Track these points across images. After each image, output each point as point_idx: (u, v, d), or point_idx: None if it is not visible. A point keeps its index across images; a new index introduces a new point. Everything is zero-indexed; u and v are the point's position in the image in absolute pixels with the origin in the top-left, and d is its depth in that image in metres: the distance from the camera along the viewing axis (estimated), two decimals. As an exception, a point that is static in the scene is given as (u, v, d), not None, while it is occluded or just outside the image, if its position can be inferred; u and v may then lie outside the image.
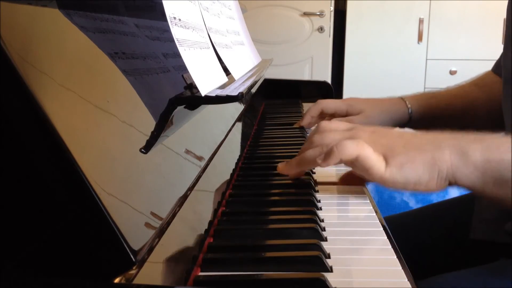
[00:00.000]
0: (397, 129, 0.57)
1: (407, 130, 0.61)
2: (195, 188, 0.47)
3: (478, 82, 0.88)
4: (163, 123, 0.46)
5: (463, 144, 0.50)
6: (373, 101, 0.89)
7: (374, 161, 0.50)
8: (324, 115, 0.90)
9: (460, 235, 0.75)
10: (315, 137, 0.58)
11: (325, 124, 0.59)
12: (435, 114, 0.86)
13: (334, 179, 0.64)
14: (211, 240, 0.45)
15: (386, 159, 0.51)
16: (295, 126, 0.95)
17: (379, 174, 0.50)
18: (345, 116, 0.87)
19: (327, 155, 0.53)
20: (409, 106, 0.86)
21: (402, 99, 0.88)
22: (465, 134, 0.52)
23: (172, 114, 0.49)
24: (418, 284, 0.38)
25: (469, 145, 0.50)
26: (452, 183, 0.50)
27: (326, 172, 0.66)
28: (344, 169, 0.62)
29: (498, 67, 0.87)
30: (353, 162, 0.52)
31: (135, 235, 0.32)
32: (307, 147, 0.58)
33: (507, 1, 0.76)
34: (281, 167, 0.60)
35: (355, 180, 0.60)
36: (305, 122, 0.91)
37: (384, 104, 0.88)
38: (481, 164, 0.49)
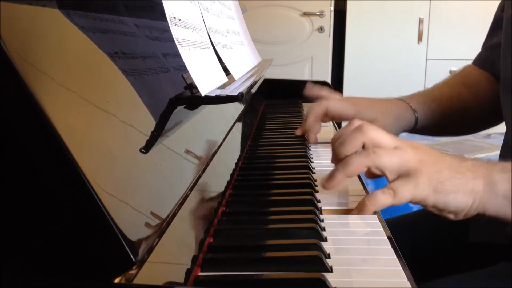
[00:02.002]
0: (436, 150, 0.55)
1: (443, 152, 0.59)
2: (195, 188, 0.47)
3: (466, 82, 0.87)
4: (163, 123, 0.46)
5: (493, 174, 0.51)
6: (381, 106, 0.82)
7: (425, 193, 0.50)
8: (327, 117, 0.84)
9: (460, 238, 0.75)
10: (367, 148, 0.54)
11: (374, 134, 0.54)
12: (435, 118, 0.84)
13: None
14: (211, 240, 0.45)
15: (431, 181, 0.50)
16: (297, 133, 0.87)
17: (422, 198, 0.50)
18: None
19: (360, 208, 0.51)
20: (415, 112, 0.83)
21: (408, 104, 0.83)
22: (495, 163, 0.53)
23: (172, 114, 0.49)
24: (419, 286, 0.38)
25: (498, 175, 0.51)
26: (480, 213, 0.51)
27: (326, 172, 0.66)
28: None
29: (483, 62, 0.86)
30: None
31: (135, 235, 0.32)
32: (352, 152, 0.54)
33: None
34: (356, 210, 0.54)
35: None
36: (308, 123, 0.83)
37: (393, 111, 0.82)
38: (509, 194, 0.50)
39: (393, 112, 0.82)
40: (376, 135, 0.54)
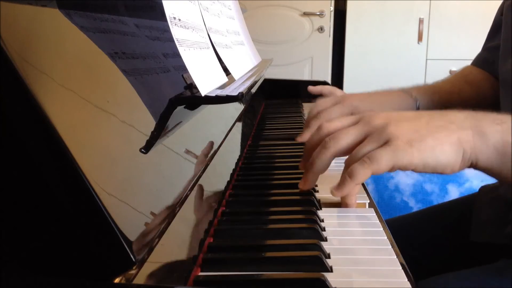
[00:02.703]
0: (409, 111, 0.53)
1: (419, 111, 0.55)
2: (195, 188, 0.47)
3: (467, 80, 0.86)
4: (163, 123, 0.46)
5: (484, 125, 0.49)
6: (379, 99, 0.82)
7: (407, 157, 0.47)
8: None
9: (460, 237, 0.75)
10: (326, 140, 0.52)
11: (327, 125, 0.54)
12: (437, 109, 0.83)
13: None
14: (211, 240, 0.45)
15: (412, 143, 0.48)
16: (298, 140, 0.88)
17: (408, 162, 0.47)
18: None
19: (363, 169, 0.48)
20: (417, 101, 0.81)
21: (409, 93, 0.82)
22: (484, 115, 0.51)
23: (172, 114, 0.49)
24: (418, 284, 0.38)
25: (490, 126, 0.49)
26: (473, 165, 0.49)
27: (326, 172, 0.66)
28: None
29: (484, 62, 0.87)
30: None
31: (135, 235, 0.32)
32: (315, 147, 0.53)
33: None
34: (301, 186, 0.55)
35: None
36: (306, 138, 0.83)
37: (392, 101, 0.81)
38: (501, 147, 0.48)
39: (391, 103, 0.80)
40: (336, 124, 0.53)
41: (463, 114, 0.51)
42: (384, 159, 0.47)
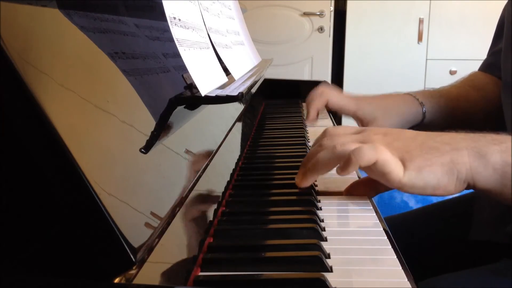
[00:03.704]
0: (409, 131, 0.54)
1: (420, 131, 0.57)
2: (195, 188, 0.47)
3: (474, 85, 0.86)
4: (163, 123, 0.46)
5: (481, 145, 0.48)
6: (385, 102, 0.80)
7: (393, 165, 0.48)
8: (326, 108, 0.83)
9: (460, 236, 0.75)
10: (323, 140, 0.55)
11: (332, 128, 0.57)
12: (443, 115, 0.82)
13: (335, 187, 0.61)
14: (211, 240, 0.45)
15: (404, 163, 0.48)
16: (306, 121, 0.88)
17: (397, 178, 0.48)
18: (351, 117, 0.80)
19: (345, 164, 0.50)
20: (423, 105, 0.80)
21: (415, 97, 0.81)
22: (482, 135, 0.50)
23: (172, 114, 0.49)
24: (419, 284, 0.38)
25: (488, 146, 0.48)
26: (470, 186, 0.48)
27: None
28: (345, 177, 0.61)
29: (489, 67, 0.87)
30: (371, 168, 0.49)
31: (135, 235, 0.32)
32: (316, 151, 0.55)
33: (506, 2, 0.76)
34: (298, 181, 0.56)
35: (359, 192, 0.57)
36: (311, 117, 0.83)
37: (398, 105, 0.80)
38: (500, 167, 0.47)
39: (396, 108, 0.79)
40: (338, 129, 0.56)
41: (460, 135, 0.51)
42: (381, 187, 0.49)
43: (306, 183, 0.55)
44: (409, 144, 0.50)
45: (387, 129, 0.55)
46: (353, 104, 0.80)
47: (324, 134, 0.57)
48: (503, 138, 0.49)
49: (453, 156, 0.48)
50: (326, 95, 0.82)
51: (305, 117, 0.85)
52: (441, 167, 0.47)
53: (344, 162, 0.50)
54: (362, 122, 0.79)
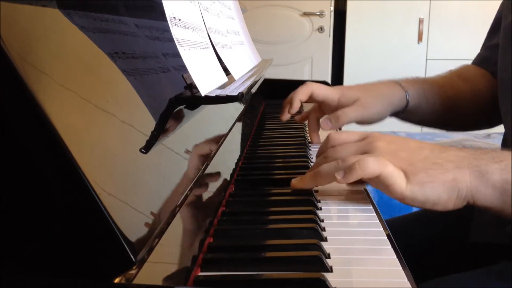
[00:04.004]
0: (414, 141, 0.55)
1: (424, 142, 0.57)
2: (195, 188, 0.47)
3: (460, 75, 0.86)
4: (163, 123, 0.46)
5: (482, 164, 0.49)
6: (368, 86, 0.82)
7: (396, 178, 0.49)
8: (312, 100, 0.84)
9: (460, 237, 0.75)
10: (328, 151, 0.56)
11: (335, 136, 0.57)
12: (428, 100, 0.82)
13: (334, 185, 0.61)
14: (211, 240, 0.45)
15: (407, 175, 0.50)
16: (296, 120, 0.91)
17: (400, 191, 0.49)
18: (336, 106, 0.80)
19: (348, 172, 0.51)
20: (406, 89, 0.81)
21: (397, 82, 0.82)
22: (483, 153, 0.51)
23: (172, 114, 0.49)
24: (419, 286, 0.38)
25: (488, 165, 0.49)
26: (470, 203, 0.50)
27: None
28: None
29: (483, 61, 0.86)
30: (373, 179, 0.51)
31: (135, 235, 0.32)
32: (321, 161, 0.56)
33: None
34: (295, 182, 0.57)
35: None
36: (294, 107, 0.83)
37: (380, 88, 0.81)
38: (500, 185, 0.48)
39: (379, 91, 0.80)
40: (342, 136, 0.57)
41: (463, 152, 0.51)
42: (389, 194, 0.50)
43: (301, 187, 0.57)
44: (413, 157, 0.51)
45: (391, 136, 0.55)
46: (335, 92, 0.81)
47: (328, 142, 0.58)
48: (503, 155, 0.50)
49: (455, 175, 0.49)
50: (310, 86, 0.82)
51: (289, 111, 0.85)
52: (443, 184, 0.49)
53: (347, 171, 0.51)
54: (346, 105, 0.79)
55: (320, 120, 0.81)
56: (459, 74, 0.87)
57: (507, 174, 0.48)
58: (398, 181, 0.49)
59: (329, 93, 0.81)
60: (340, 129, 1.06)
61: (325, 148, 0.57)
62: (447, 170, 0.49)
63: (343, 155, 0.53)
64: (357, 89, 0.82)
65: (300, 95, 0.82)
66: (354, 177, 0.51)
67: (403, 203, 0.51)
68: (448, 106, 0.83)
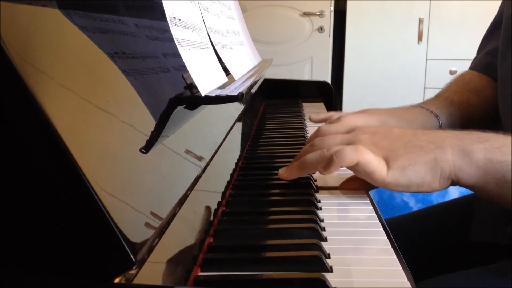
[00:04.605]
0: (398, 129, 0.56)
1: (408, 129, 0.57)
2: (195, 188, 0.47)
3: (471, 89, 0.83)
4: (163, 123, 0.46)
5: (465, 143, 0.50)
6: (407, 115, 0.76)
7: (375, 165, 0.50)
8: None
9: (460, 237, 0.75)
10: (315, 140, 0.58)
11: (325, 127, 0.59)
12: (455, 122, 0.79)
13: (334, 181, 0.62)
14: (211, 240, 0.45)
15: (388, 162, 0.51)
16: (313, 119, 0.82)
17: (381, 178, 0.51)
18: None
19: (327, 164, 0.53)
20: (438, 118, 0.77)
21: (428, 109, 0.78)
22: (467, 133, 0.52)
23: (172, 114, 0.49)
24: (419, 285, 0.38)
25: (472, 144, 0.49)
26: (454, 182, 0.50)
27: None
28: (344, 172, 0.61)
29: (487, 68, 0.83)
30: (354, 168, 0.52)
31: (135, 235, 0.32)
32: (307, 150, 0.58)
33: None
34: (282, 172, 0.60)
35: (356, 185, 0.59)
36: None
37: (419, 118, 0.76)
38: (483, 164, 0.49)
39: (418, 120, 0.76)
40: (331, 128, 0.59)
41: (445, 133, 0.52)
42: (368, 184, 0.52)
43: (288, 178, 0.59)
44: (394, 143, 0.52)
45: (377, 128, 0.57)
46: (375, 120, 0.72)
47: (317, 133, 0.60)
48: (489, 136, 0.51)
49: (436, 155, 0.50)
50: (345, 119, 0.70)
51: (307, 118, 0.83)
52: (424, 165, 0.49)
53: (326, 162, 0.53)
54: None
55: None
56: (470, 88, 0.83)
57: (490, 154, 0.49)
58: (378, 168, 0.50)
59: (366, 122, 0.71)
60: None
61: (314, 138, 0.59)
62: (428, 151, 0.50)
63: (328, 145, 0.55)
64: (396, 117, 0.74)
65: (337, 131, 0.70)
66: (334, 168, 0.52)
67: (388, 189, 0.52)
68: (466, 125, 0.79)
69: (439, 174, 0.49)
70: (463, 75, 0.87)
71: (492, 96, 0.81)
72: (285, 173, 0.59)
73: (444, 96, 0.83)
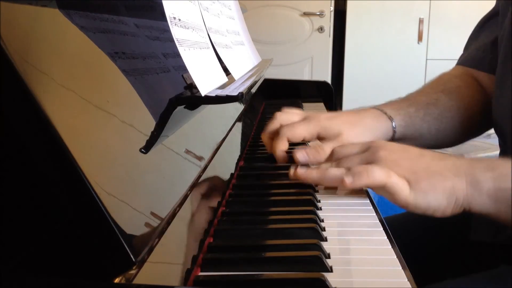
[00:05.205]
0: (413, 148, 0.57)
1: (423, 149, 0.58)
2: (195, 188, 0.47)
3: (444, 90, 0.80)
4: (163, 123, 0.46)
5: (477, 172, 0.51)
6: (352, 118, 0.73)
7: (400, 187, 0.51)
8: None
9: (460, 237, 0.75)
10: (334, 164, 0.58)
11: (339, 149, 0.59)
12: (415, 124, 0.76)
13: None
14: (211, 240, 0.45)
15: (410, 183, 0.52)
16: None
17: (404, 199, 0.51)
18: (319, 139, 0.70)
19: (356, 177, 0.53)
20: (392, 120, 0.74)
21: (382, 111, 0.75)
22: (479, 161, 0.53)
23: (172, 114, 0.49)
24: None
25: (483, 173, 0.51)
26: (466, 210, 0.52)
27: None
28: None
29: (478, 62, 0.81)
30: (378, 188, 0.53)
31: (135, 235, 0.32)
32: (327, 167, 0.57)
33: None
34: (300, 173, 0.57)
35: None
36: (280, 159, 0.67)
37: (365, 121, 0.73)
38: (494, 193, 0.50)
39: (363, 123, 0.72)
40: (346, 150, 0.59)
41: (460, 160, 0.54)
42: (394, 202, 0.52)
43: (304, 180, 0.58)
44: (415, 165, 0.53)
45: (392, 145, 0.57)
46: (315, 130, 0.69)
47: (333, 155, 0.60)
48: (498, 163, 0.52)
49: (454, 183, 0.51)
50: (285, 134, 0.68)
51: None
52: (443, 192, 0.51)
53: (356, 176, 0.53)
54: (327, 139, 0.68)
55: (296, 150, 0.64)
56: (443, 89, 0.81)
57: (500, 183, 0.50)
58: (402, 189, 0.51)
59: (308, 133, 0.69)
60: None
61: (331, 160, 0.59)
62: (446, 178, 0.51)
63: (349, 166, 0.55)
64: (340, 121, 0.71)
65: (281, 147, 0.67)
66: (362, 183, 0.53)
67: (406, 209, 0.53)
68: (435, 124, 0.78)
69: (454, 202, 0.51)
70: (441, 76, 0.85)
71: (467, 96, 0.79)
72: (303, 175, 0.57)
73: (408, 97, 0.80)
